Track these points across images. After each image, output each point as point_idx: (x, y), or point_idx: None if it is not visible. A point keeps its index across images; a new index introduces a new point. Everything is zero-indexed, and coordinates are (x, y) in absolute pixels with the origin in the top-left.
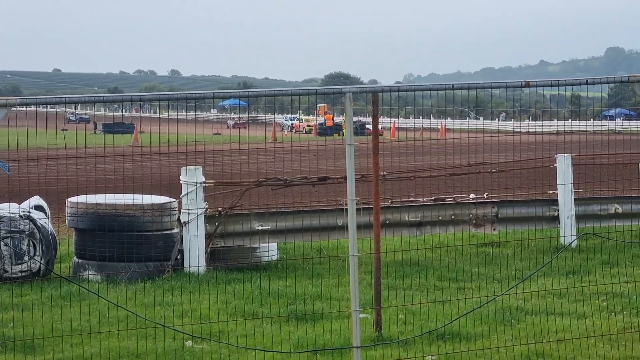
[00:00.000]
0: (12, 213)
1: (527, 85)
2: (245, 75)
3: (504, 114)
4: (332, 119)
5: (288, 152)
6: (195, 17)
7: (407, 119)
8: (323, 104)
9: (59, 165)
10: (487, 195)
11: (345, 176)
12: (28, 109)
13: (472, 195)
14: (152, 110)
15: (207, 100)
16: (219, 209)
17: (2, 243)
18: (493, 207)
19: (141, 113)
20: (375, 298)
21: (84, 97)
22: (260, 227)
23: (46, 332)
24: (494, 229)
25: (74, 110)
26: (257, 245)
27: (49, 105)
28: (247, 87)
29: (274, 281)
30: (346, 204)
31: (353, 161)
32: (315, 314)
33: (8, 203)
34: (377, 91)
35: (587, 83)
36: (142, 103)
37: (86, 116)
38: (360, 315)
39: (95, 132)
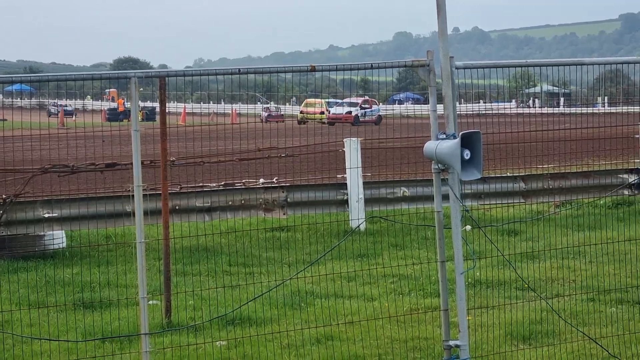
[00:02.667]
0: None
1: (313, 69)
2: (32, 60)
3: (294, 98)
4: (123, 103)
5: (78, 138)
6: None
7: (197, 104)
8: (113, 89)
9: None
10: (276, 180)
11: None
12: None
13: (261, 180)
14: None
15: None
16: (3, 196)
17: None
18: (283, 192)
19: None
20: (165, 284)
21: None
22: (47, 215)
23: None
24: (284, 213)
25: None
26: (43, 233)
27: None
28: (34, 71)
29: (61, 269)
30: (133, 190)
31: (139, 147)
32: (104, 301)
33: None
34: (164, 76)
35: (372, 67)
36: None
37: None
38: (150, 302)
39: None
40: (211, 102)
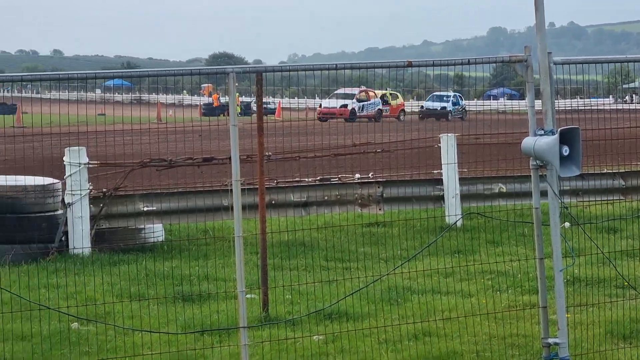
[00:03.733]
0: None
1: (410, 65)
2: (128, 55)
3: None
4: (218, 99)
5: (173, 132)
6: None
7: (292, 99)
8: (208, 84)
9: None
10: (372, 175)
11: (230, 157)
12: None
13: (357, 175)
14: (34, 91)
15: (90, 80)
16: (104, 190)
17: None
18: (378, 187)
19: (23, 93)
20: (262, 278)
21: None
22: (146, 208)
23: None
24: (380, 209)
25: None
26: (142, 227)
27: None
28: (131, 67)
29: (160, 262)
30: (231, 185)
31: (237, 142)
32: (202, 295)
33: None
34: (261, 71)
35: (469, 63)
36: (24, 83)
37: None
38: (247, 296)
39: None
40: (305, 97)
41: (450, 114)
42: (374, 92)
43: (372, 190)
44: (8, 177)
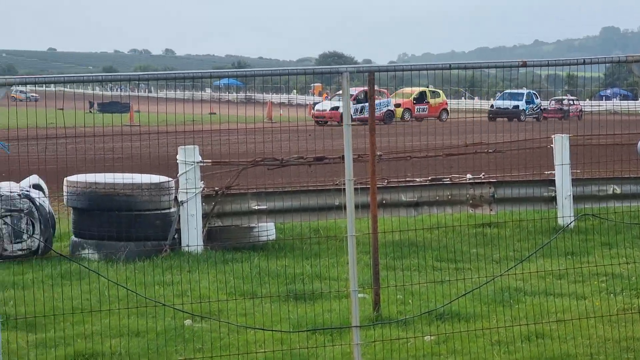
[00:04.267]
0: (11, 192)
1: (524, 65)
2: (239, 55)
3: (499, 93)
4: (327, 98)
5: (284, 132)
6: None
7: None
8: (318, 84)
9: (57, 144)
10: (484, 175)
11: (342, 156)
12: (24, 88)
13: (468, 176)
14: (147, 90)
15: (202, 79)
16: (216, 188)
17: (1, 221)
18: (490, 188)
19: (137, 92)
20: (374, 278)
21: (83, 76)
22: (257, 207)
23: (47, 311)
24: (492, 210)
25: (24, 89)
26: (254, 225)
27: (44, 85)
28: (242, 66)
29: (272, 261)
30: (344, 184)
31: (351, 141)
32: (313, 293)
33: (8, 182)
34: (374, 70)
35: (584, 63)
36: (138, 82)
37: (35, 95)
38: (359, 295)
39: (91, 111)
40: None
41: (523, 114)
42: (385, 92)
43: (484, 190)
44: (124, 175)
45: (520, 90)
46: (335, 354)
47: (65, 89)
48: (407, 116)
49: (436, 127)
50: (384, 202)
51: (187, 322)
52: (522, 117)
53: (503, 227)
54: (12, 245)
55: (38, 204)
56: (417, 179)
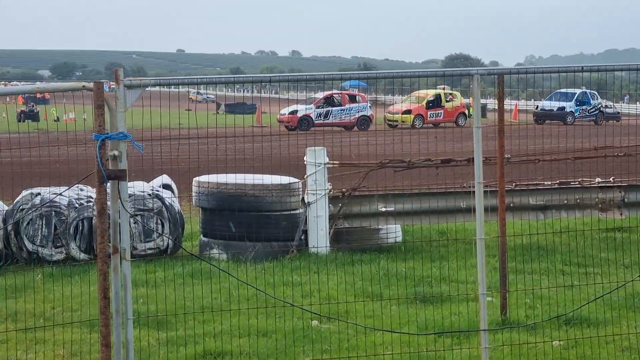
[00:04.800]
0: (141, 191)
1: None
2: (365, 56)
3: (627, 96)
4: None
5: (408, 134)
6: None
7: (528, 101)
8: (443, 85)
9: (183, 144)
10: (613, 179)
11: (469, 158)
12: (154, 89)
13: (597, 179)
14: (273, 91)
15: (328, 81)
16: (343, 190)
17: (131, 220)
18: (620, 192)
19: (262, 94)
20: (501, 281)
21: (214, 77)
22: (384, 209)
23: (176, 309)
24: (621, 214)
25: (201, 91)
26: (380, 227)
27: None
28: (368, 68)
29: (398, 263)
30: (472, 187)
31: (480, 144)
32: (440, 296)
33: (140, 182)
34: (505, 73)
35: None
36: (269, 83)
37: (211, 96)
38: (487, 299)
39: (218, 112)
40: (541, 99)
41: (571, 116)
42: (362, 96)
43: (613, 194)
44: (252, 176)
45: (571, 90)
46: (462, 357)
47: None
48: (418, 124)
49: (567, 129)
50: (511, 205)
51: (314, 322)
52: (569, 120)
53: (634, 231)
54: (141, 244)
55: (168, 203)
56: (546, 182)
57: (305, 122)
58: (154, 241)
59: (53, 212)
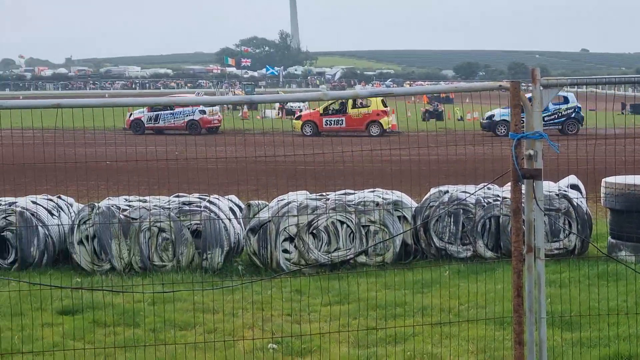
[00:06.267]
0: (549, 192)
1: None
2: None
3: None
4: None
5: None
6: None
7: None
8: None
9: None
10: None
11: None
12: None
13: None
14: None
15: None
16: None
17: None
18: None
19: None
20: None
21: (614, 77)
22: None
23: (583, 310)
24: None
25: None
26: None
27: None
28: None
29: None
30: None
31: None
32: None
33: (548, 182)
34: None
35: None
36: None
37: None
38: None
39: (623, 113)
40: None
41: (498, 127)
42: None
43: None
44: None
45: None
46: None
47: (597, 90)
48: (308, 131)
49: None
50: None
51: None
52: (497, 131)
53: None
54: (550, 243)
55: (575, 204)
56: None
57: (138, 126)
58: (561, 241)
59: (461, 210)
